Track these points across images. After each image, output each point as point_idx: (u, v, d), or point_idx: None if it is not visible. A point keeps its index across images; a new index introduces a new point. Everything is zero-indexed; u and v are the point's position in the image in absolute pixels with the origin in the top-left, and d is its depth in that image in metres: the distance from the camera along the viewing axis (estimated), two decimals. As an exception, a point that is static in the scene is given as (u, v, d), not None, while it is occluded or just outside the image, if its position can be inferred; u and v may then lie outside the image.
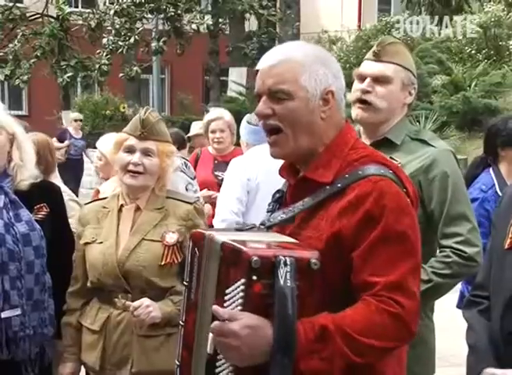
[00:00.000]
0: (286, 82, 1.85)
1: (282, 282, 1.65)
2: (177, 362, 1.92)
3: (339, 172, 1.85)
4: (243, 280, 1.67)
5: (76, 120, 13.57)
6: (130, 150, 2.85)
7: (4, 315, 2.64)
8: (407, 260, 1.78)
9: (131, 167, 2.82)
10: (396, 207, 1.79)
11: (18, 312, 2.68)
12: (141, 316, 2.72)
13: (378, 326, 1.71)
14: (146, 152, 2.85)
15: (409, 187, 1.88)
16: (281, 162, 1.99)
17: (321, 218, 1.82)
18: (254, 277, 1.66)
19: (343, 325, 1.69)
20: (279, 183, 2.07)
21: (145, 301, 2.73)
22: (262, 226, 1.95)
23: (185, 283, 1.91)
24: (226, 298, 1.70)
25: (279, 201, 2.02)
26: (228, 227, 1.92)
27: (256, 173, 4.44)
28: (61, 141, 12.83)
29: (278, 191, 2.05)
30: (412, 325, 1.76)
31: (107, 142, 4.34)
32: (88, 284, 2.88)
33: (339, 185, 1.83)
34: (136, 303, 2.73)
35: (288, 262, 1.67)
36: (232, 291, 1.69)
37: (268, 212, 2.00)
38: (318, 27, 21.05)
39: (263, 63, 1.90)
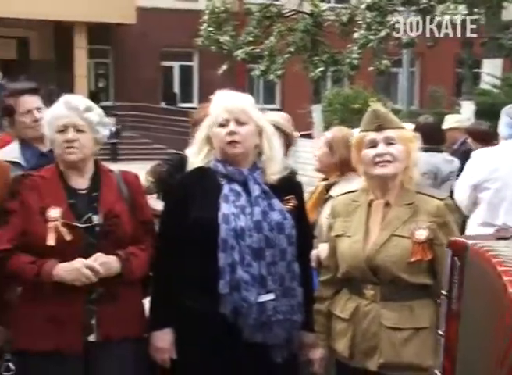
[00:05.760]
0: None
1: None
2: (439, 374, 1.86)
3: None
4: None
5: None
6: (373, 144, 2.84)
7: (260, 299, 2.77)
8: None
9: (378, 159, 2.81)
10: None
11: (272, 296, 2.80)
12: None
13: None
14: (388, 141, 2.82)
15: None
16: None
17: None
18: None
19: None
20: None
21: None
22: None
23: (444, 292, 1.82)
24: None
25: None
26: (486, 234, 1.80)
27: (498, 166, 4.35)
28: None
29: None
30: None
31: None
32: (338, 275, 2.92)
33: None
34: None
35: None
36: None
37: None
38: None
39: None
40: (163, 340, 2.88)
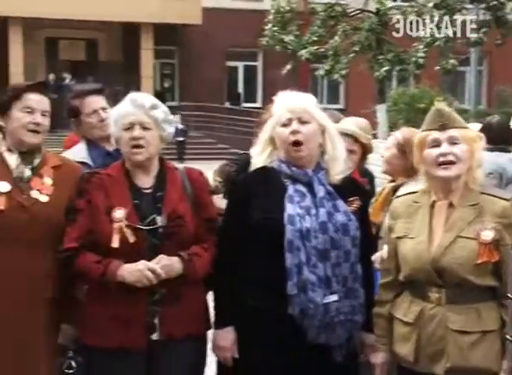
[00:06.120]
0: None
1: None
2: None
3: None
4: None
5: None
6: (436, 143, 2.79)
7: (326, 300, 2.76)
8: None
9: (441, 159, 2.76)
10: None
11: (336, 297, 2.79)
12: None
13: None
14: (452, 141, 2.76)
15: None
16: None
17: None
18: None
19: None
20: None
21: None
22: None
23: (511, 295, 1.78)
24: None
25: None
26: None
27: None
28: None
29: None
30: None
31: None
32: (400, 278, 2.88)
33: None
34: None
35: None
36: None
37: None
38: None
39: None
40: (225, 338, 2.89)
